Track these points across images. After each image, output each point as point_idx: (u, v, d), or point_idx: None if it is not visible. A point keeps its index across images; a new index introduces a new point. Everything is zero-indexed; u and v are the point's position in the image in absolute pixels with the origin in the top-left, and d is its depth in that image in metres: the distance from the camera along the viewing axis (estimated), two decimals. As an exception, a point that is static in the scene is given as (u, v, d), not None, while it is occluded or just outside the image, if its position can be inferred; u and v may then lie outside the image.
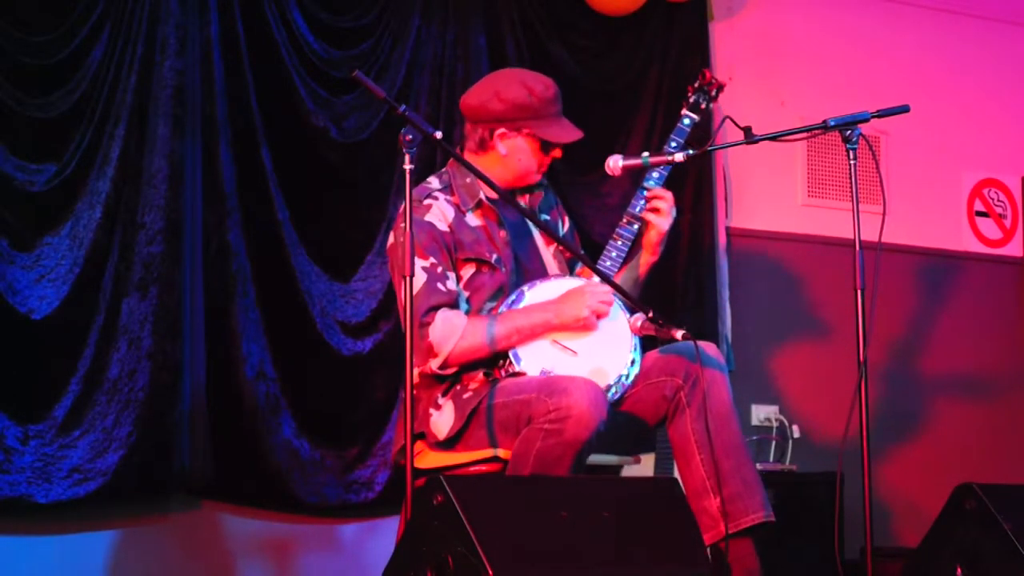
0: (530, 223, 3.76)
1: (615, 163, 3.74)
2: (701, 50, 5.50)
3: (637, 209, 3.71)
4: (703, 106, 3.84)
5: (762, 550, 3.51)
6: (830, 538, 3.58)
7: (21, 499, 4.19)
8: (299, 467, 4.62)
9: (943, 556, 3.47)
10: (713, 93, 3.86)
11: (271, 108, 4.70)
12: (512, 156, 3.70)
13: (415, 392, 3.53)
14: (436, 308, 3.52)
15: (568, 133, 3.71)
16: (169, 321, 4.43)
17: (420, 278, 3.52)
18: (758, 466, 5.07)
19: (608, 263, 3.67)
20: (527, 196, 3.82)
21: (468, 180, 3.67)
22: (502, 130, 3.67)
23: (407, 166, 3.21)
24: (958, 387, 5.97)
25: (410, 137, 3.20)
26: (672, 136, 3.79)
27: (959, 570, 3.43)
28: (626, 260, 3.71)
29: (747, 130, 3.63)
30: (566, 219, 3.92)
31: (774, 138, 3.68)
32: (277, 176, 4.69)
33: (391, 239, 3.69)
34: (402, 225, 3.30)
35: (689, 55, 5.46)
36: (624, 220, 3.71)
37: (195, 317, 4.50)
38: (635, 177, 5.18)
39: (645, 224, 3.71)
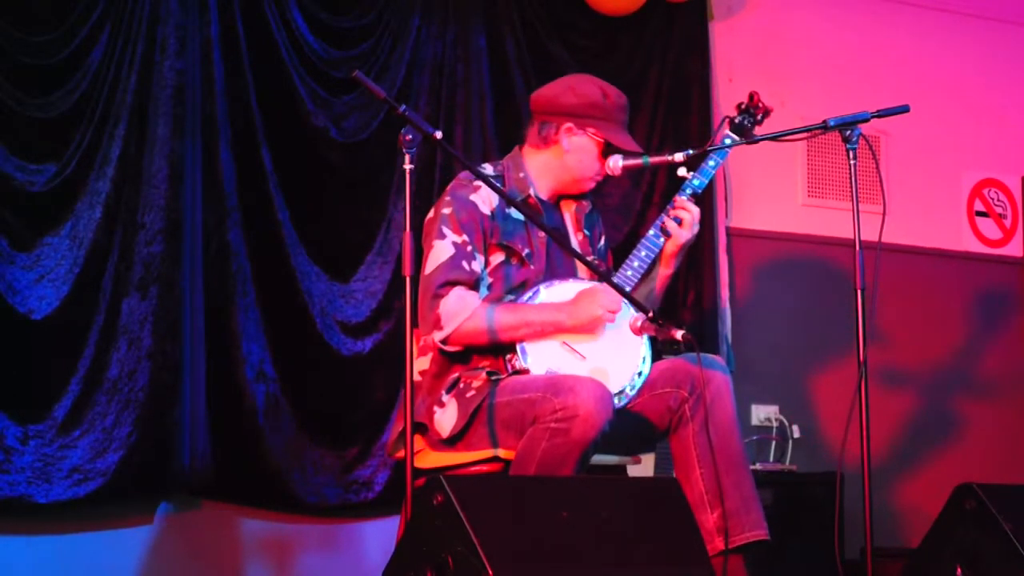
0: (569, 229, 3.76)
1: (615, 163, 3.74)
2: (701, 50, 5.50)
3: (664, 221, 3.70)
4: (748, 127, 3.80)
5: (754, 567, 3.50)
6: (830, 538, 3.57)
7: (21, 499, 4.19)
8: (299, 467, 4.62)
9: (943, 556, 3.47)
10: (759, 118, 3.80)
11: (271, 108, 4.70)
12: (574, 154, 3.69)
13: (421, 379, 3.58)
14: (453, 284, 3.53)
15: (630, 143, 3.71)
16: (169, 321, 4.42)
17: (448, 251, 3.53)
18: (757, 466, 5.10)
19: (629, 272, 3.64)
20: (575, 205, 3.81)
21: (521, 175, 3.68)
22: (569, 124, 3.68)
23: (407, 166, 3.21)
24: (958, 387, 5.97)
25: (410, 137, 3.20)
26: (711, 155, 3.72)
27: (959, 570, 3.43)
28: (646, 273, 3.68)
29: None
30: (603, 238, 3.91)
31: (774, 138, 3.68)
32: (277, 176, 4.69)
33: (431, 213, 3.68)
34: (447, 198, 3.56)
35: (689, 55, 5.46)
36: (652, 231, 3.70)
37: (195, 317, 4.50)
38: (635, 177, 5.22)
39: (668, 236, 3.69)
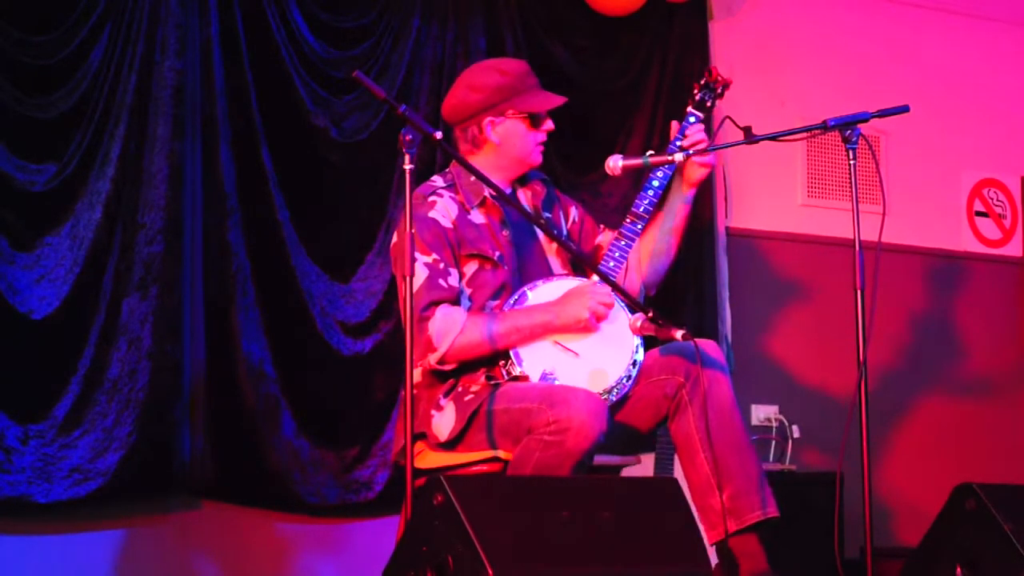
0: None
1: (615, 163, 3.73)
2: (701, 50, 5.50)
3: (641, 209, 3.69)
4: (708, 104, 3.79)
5: (767, 545, 3.50)
6: (830, 538, 3.57)
7: (21, 499, 4.19)
8: (299, 467, 4.63)
9: (943, 556, 3.47)
10: (719, 91, 3.79)
11: (271, 108, 4.70)
12: (507, 141, 3.68)
13: (417, 392, 3.54)
14: (437, 303, 3.51)
15: (552, 99, 3.71)
16: (169, 321, 4.43)
17: (422, 273, 3.52)
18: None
19: (612, 264, 3.64)
20: (529, 192, 3.81)
21: (472, 178, 3.66)
22: (489, 118, 3.66)
23: (407, 166, 3.21)
24: (958, 386, 5.97)
25: (410, 137, 3.20)
26: (677, 135, 3.76)
27: (959, 570, 3.43)
28: (651, 219, 3.67)
29: (747, 130, 3.62)
30: (570, 208, 3.88)
31: (774, 138, 3.67)
32: (277, 176, 4.69)
33: (394, 237, 3.69)
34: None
35: (689, 55, 5.47)
36: (628, 220, 3.69)
37: (195, 317, 4.50)
38: (635, 177, 5.21)
39: (680, 172, 3.69)
